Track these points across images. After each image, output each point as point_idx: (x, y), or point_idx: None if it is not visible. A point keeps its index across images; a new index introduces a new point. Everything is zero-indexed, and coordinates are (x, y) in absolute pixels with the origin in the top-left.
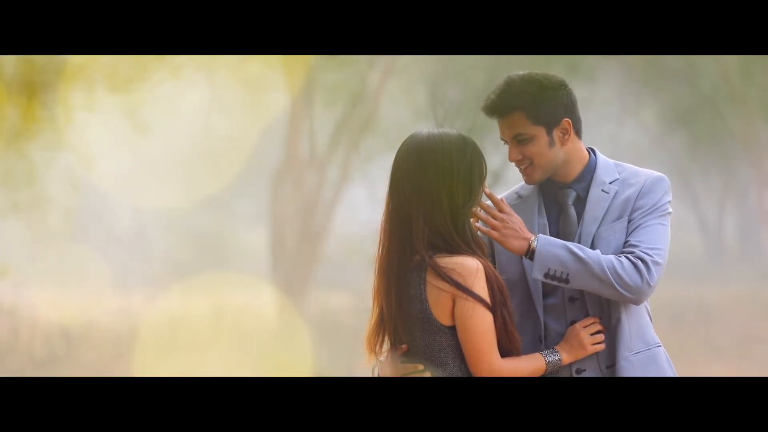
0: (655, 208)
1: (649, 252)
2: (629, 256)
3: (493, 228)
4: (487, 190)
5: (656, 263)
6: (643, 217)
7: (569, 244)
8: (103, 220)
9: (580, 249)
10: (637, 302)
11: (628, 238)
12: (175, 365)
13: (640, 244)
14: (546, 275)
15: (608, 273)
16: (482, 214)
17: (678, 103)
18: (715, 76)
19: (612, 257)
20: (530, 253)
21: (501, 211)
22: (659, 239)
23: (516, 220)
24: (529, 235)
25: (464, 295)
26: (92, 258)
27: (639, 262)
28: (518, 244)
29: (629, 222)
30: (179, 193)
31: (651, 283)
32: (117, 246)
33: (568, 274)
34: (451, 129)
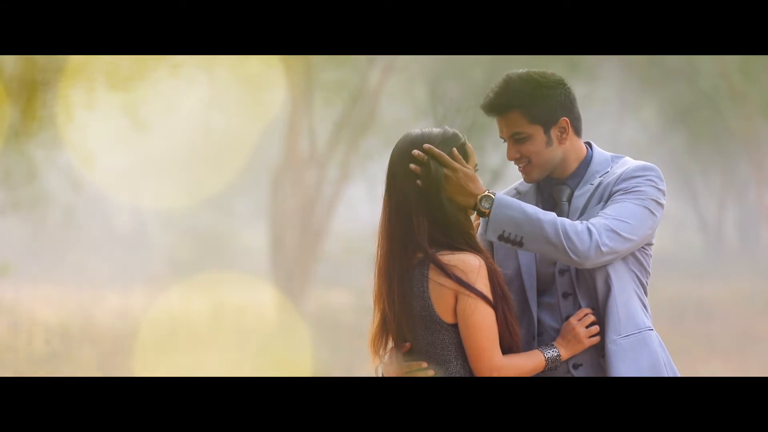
0: (633, 190)
1: (609, 220)
2: (587, 221)
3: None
4: (426, 145)
5: (612, 230)
6: (619, 196)
7: (527, 206)
8: (102, 218)
9: (537, 211)
10: (581, 265)
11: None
12: (175, 364)
13: (602, 214)
14: (500, 237)
15: (561, 236)
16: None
17: (678, 101)
18: (714, 74)
19: (567, 220)
20: (478, 209)
21: (447, 166)
22: (627, 214)
23: (462, 176)
24: (476, 190)
25: (467, 292)
26: (92, 256)
27: (593, 227)
28: (464, 200)
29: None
30: (179, 192)
31: (602, 248)
32: (117, 244)
33: (522, 237)
34: (444, 127)
